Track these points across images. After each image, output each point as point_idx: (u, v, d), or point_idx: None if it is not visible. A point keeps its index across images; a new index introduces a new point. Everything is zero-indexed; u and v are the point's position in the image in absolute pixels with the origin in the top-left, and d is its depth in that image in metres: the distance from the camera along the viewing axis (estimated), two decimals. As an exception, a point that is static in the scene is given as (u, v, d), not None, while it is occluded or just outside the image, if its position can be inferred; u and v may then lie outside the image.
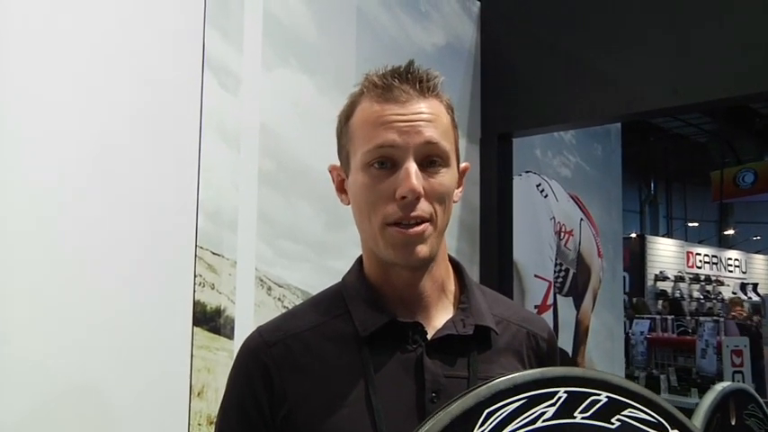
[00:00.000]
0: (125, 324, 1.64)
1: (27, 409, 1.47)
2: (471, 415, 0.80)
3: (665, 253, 13.60)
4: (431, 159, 0.99)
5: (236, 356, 1.08)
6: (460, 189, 1.09)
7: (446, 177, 1.00)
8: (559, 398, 0.83)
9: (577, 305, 3.48)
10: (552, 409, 0.82)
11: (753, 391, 2.04)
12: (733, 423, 1.87)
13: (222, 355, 1.77)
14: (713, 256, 14.90)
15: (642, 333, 8.32)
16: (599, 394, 0.85)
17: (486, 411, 0.80)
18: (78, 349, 1.56)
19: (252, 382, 1.03)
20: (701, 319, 8.38)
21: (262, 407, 1.01)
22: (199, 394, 1.74)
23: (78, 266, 1.56)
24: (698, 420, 1.79)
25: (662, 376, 7.18)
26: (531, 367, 1.10)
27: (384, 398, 0.98)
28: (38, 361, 1.49)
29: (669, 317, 9.03)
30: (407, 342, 1.01)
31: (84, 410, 1.58)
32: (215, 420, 1.10)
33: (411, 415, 0.97)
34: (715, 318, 8.62)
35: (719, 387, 1.95)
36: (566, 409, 0.83)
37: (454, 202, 1.05)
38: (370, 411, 0.97)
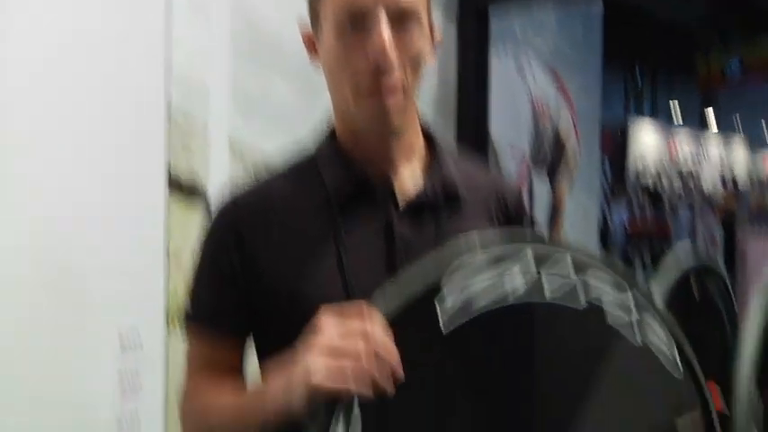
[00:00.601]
0: (98, 190, 1.65)
1: None
2: (440, 266, 0.81)
3: (647, 144, 13.62)
4: (403, 19, 0.96)
5: (209, 218, 1.09)
6: (432, 55, 1.07)
7: (418, 39, 0.98)
8: (527, 256, 0.85)
9: (553, 184, 3.52)
10: (518, 269, 0.84)
11: (717, 266, 2.07)
12: (697, 298, 1.92)
13: (197, 221, 1.80)
14: (696, 147, 14.94)
15: (621, 221, 8.46)
16: (563, 254, 0.87)
17: (456, 263, 0.82)
18: (51, 214, 1.58)
19: (224, 242, 1.04)
20: (679, 207, 8.51)
21: (234, 267, 1.03)
22: (174, 259, 1.78)
23: (51, 132, 1.56)
24: (660, 295, 1.83)
25: (638, 262, 7.35)
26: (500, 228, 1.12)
27: (355, 260, 0.99)
28: (9, 229, 1.51)
29: (648, 206, 9.15)
30: (378, 206, 1.02)
31: (56, 274, 1.61)
32: (189, 283, 1.12)
33: (381, 273, 0.99)
34: (692, 206, 8.74)
35: (684, 262, 1.99)
36: (532, 269, 0.85)
37: (426, 66, 1.03)
38: (341, 273, 0.98)
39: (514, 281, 0.84)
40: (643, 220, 8.58)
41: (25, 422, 1.56)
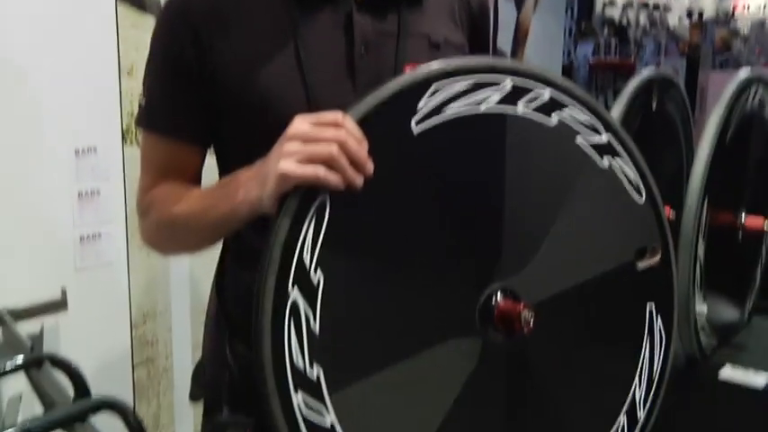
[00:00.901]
0: (49, 6, 1.58)
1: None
2: (420, 87, 0.81)
3: (617, -22, 13.29)
4: None
5: (161, 12, 1.05)
6: None
7: None
8: (505, 86, 0.85)
9: (519, 6, 3.44)
10: (497, 96, 0.84)
11: (673, 76, 2.10)
12: (654, 108, 1.95)
13: (150, 34, 1.73)
14: (665, -18, 14.62)
15: (585, 56, 8.37)
16: (543, 89, 0.87)
17: (434, 86, 0.81)
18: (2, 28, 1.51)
19: (177, 36, 1.01)
20: (644, 41, 8.43)
21: (188, 61, 1.00)
22: (129, 73, 1.73)
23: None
24: (620, 105, 1.85)
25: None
26: (464, 31, 1.10)
27: (313, 53, 0.98)
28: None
29: (613, 41, 9.03)
30: (337, 1, 0.99)
31: (10, 88, 1.57)
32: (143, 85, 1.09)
33: (340, 69, 0.98)
34: (657, 40, 8.67)
35: (645, 72, 2.00)
36: (509, 99, 0.85)
37: None
38: (299, 66, 0.97)
39: (489, 100, 0.84)
40: (608, 56, 8.50)
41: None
